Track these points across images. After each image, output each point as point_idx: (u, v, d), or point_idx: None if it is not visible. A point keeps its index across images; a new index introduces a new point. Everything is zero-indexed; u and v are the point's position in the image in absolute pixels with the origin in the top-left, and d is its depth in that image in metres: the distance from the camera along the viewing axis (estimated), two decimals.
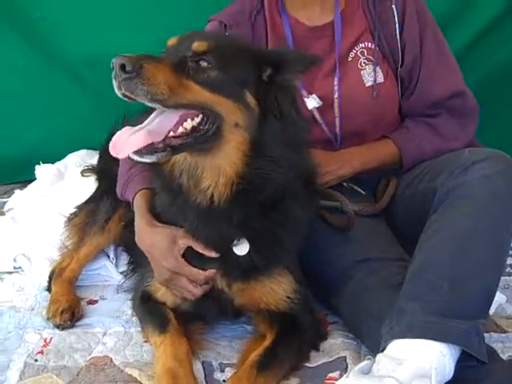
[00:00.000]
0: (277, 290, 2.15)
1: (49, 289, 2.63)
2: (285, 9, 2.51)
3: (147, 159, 1.81)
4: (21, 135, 3.70)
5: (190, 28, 3.37)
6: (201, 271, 2.10)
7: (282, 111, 1.91)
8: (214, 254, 2.07)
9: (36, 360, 2.20)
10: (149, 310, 2.28)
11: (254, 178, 1.92)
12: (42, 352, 2.25)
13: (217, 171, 1.91)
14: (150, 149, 1.80)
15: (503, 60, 3.50)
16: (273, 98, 1.91)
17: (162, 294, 2.25)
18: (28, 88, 3.62)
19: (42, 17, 3.50)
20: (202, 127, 1.85)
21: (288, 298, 2.17)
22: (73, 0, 3.50)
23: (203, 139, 1.86)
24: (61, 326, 2.38)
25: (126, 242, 2.73)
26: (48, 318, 2.43)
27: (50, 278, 2.67)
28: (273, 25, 2.52)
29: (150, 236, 2.14)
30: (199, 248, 2.07)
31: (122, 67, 1.68)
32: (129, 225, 2.60)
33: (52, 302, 2.49)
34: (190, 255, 2.10)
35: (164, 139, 1.81)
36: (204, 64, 1.83)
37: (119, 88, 1.74)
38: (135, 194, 2.25)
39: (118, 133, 1.85)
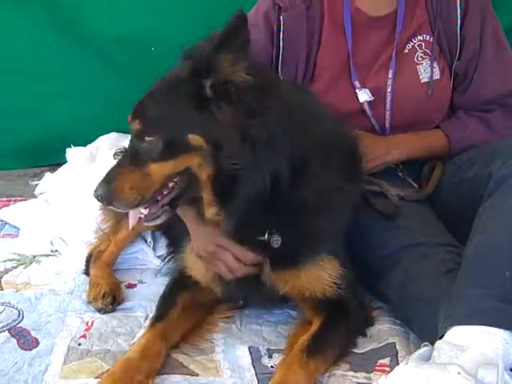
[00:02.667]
0: (322, 276, 2.11)
1: (87, 272, 2.61)
2: None
3: (157, 222, 1.99)
4: (50, 117, 3.65)
5: (214, 6, 3.34)
6: (249, 253, 2.07)
7: (249, 114, 1.84)
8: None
9: (79, 344, 2.18)
10: (163, 296, 2.28)
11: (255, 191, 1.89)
12: (84, 336, 2.22)
13: (211, 201, 1.94)
14: (151, 216, 1.96)
15: None
16: (228, 110, 1.84)
17: (195, 271, 2.23)
18: (57, 69, 3.57)
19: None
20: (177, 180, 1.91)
21: (334, 283, 2.13)
22: None
23: (184, 188, 1.92)
24: (102, 310, 2.36)
25: (165, 225, 2.68)
26: (89, 302, 2.40)
27: (88, 261, 2.65)
28: (331, 11, 2.43)
29: None
30: None
31: (99, 198, 1.89)
32: None
33: (92, 285, 2.47)
34: None
35: (156, 204, 1.93)
36: (147, 140, 1.87)
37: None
38: None
39: None
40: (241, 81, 1.84)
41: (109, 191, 1.87)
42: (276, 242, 2.02)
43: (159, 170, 1.87)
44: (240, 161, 1.84)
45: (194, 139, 1.84)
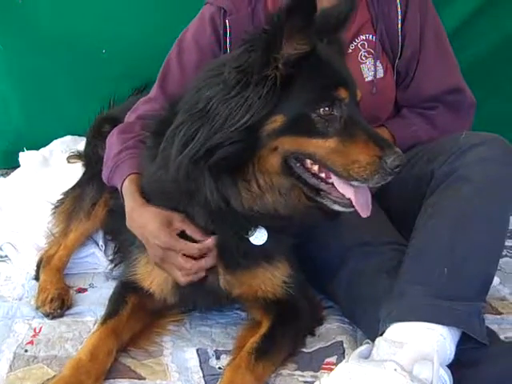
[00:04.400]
0: (275, 275, 2.12)
1: (37, 277, 2.58)
2: None
3: None
4: (3, 121, 3.61)
5: (164, 10, 3.33)
6: (194, 244, 2.03)
7: None
8: (210, 240, 2.02)
9: (26, 350, 2.14)
10: (113, 295, 2.25)
11: None
12: (31, 342, 2.19)
13: None
14: None
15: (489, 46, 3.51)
16: None
17: (149, 283, 2.19)
18: (8, 72, 3.53)
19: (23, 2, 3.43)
20: None
21: (284, 283, 2.14)
22: None
23: None
24: (50, 315, 2.33)
25: (111, 229, 2.67)
26: (37, 307, 2.37)
27: (38, 266, 2.61)
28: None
29: (142, 216, 2.07)
30: (196, 234, 2.02)
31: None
32: (112, 211, 2.56)
33: (41, 290, 2.44)
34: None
35: None
36: None
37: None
38: (124, 179, 2.18)
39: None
40: None
41: None
42: (260, 237, 2.01)
43: None
44: None
45: None
